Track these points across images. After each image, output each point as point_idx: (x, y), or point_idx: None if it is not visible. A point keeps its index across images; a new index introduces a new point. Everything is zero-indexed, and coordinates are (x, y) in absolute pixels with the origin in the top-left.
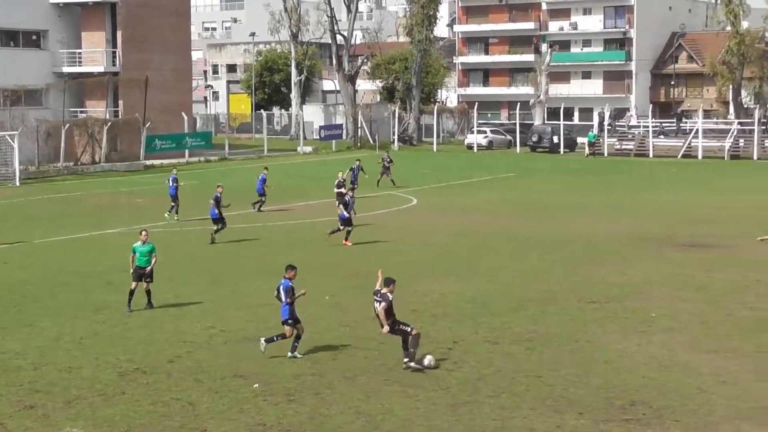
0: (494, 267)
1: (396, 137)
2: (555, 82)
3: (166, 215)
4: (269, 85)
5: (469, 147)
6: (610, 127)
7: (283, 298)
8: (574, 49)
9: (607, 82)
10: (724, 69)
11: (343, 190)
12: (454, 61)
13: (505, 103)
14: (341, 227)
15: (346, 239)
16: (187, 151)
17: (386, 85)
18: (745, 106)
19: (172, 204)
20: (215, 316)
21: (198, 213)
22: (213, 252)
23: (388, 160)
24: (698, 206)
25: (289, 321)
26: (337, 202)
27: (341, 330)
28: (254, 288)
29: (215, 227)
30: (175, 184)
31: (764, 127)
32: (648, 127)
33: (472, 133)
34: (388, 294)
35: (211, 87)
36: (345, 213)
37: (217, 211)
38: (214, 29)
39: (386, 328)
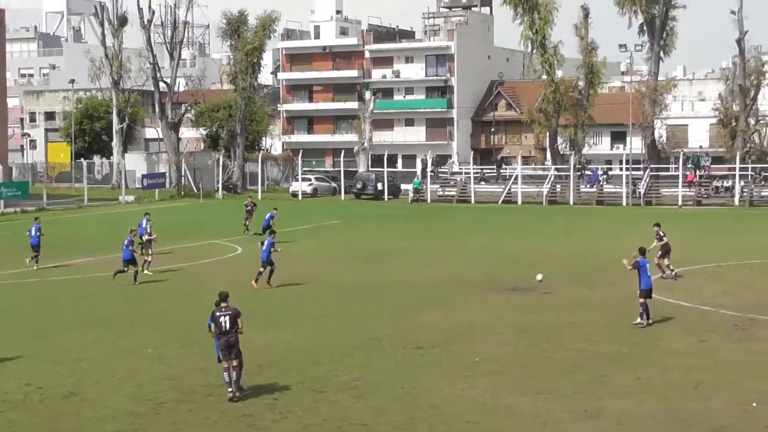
0: (320, 314)
1: (220, 185)
2: (379, 129)
3: (27, 261)
4: (89, 133)
5: (294, 195)
6: (432, 174)
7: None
8: (397, 97)
9: (429, 129)
10: (540, 116)
11: (151, 237)
12: (278, 109)
13: (330, 151)
14: (262, 270)
15: (257, 281)
16: (2, 202)
17: (210, 133)
18: (561, 152)
19: (34, 254)
20: (31, 372)
21: (10, 266)
22: (30, 304)
23: (251, 204)
24: (518, 251)
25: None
26: (140, 249)
27: (164, 383)
28: (73, 341)
29: (133, 269)
30: (38, 234)
31: (579, 173)
32: (470, 173)
33: (297, 180)
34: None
35: (29, 135)
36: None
37: (130, 251)
38: (31, 75)
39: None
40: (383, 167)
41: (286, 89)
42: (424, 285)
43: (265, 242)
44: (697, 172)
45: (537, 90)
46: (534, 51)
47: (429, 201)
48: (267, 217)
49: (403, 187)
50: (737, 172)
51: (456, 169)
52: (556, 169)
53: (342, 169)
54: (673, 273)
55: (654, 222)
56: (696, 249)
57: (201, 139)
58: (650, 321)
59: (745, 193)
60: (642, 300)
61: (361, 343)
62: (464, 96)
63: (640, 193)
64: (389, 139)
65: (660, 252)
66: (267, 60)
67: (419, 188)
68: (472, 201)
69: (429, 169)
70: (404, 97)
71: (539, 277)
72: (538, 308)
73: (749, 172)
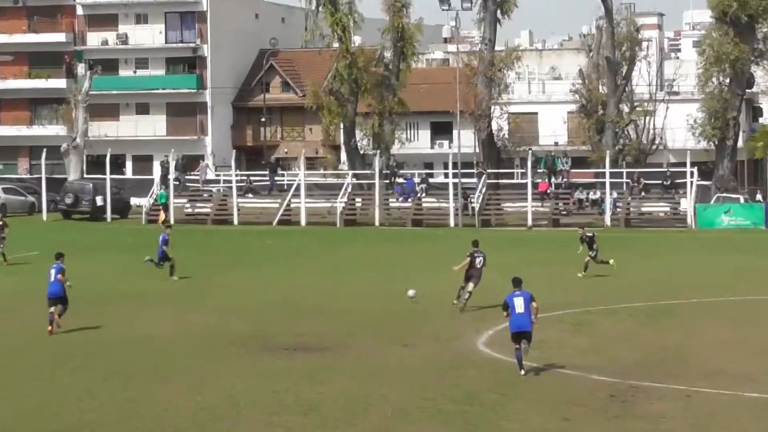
0: (5, 391)
1: None
2: (98, 118)
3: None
4: None
5: None
6: (177, 183)
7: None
8: (125, 72)
9: (172, 119)
10: (331, 101)
11: None
12: None
13: (25, 149)
14: None
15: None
16: None
17: None
18: (362, 151)
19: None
20: None
21: None
22: None
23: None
24: (301, 293)
25: None
26: None
27: None
28: None
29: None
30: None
31: (388, 182)
32: (231, 182)
33: None
34: None
35: None
36: None
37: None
38: None
39: None
40: (105, 174)
41: None
42: (164, 344)
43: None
44: (552, 180)
45: (326, 63)
46: (321, 8)
47: (172, 221)
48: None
49: (134, 201)
50: (607, 179)
51: (211, 175)
52: (355, 176)
53: (44, 175)
54: (464, 303)
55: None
56: (554, 288)
57: None
58: (522, 371)
59: (618, 209)
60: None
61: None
62: (222, 72)
63: (473, 208)
64: (114, 133)
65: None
66: None
67: (165, 203)
68: (235, 221)
69: (172, 175)
70: (135, 72)
71: (411, 293)
72: (332, 376)
73: (624, 179)
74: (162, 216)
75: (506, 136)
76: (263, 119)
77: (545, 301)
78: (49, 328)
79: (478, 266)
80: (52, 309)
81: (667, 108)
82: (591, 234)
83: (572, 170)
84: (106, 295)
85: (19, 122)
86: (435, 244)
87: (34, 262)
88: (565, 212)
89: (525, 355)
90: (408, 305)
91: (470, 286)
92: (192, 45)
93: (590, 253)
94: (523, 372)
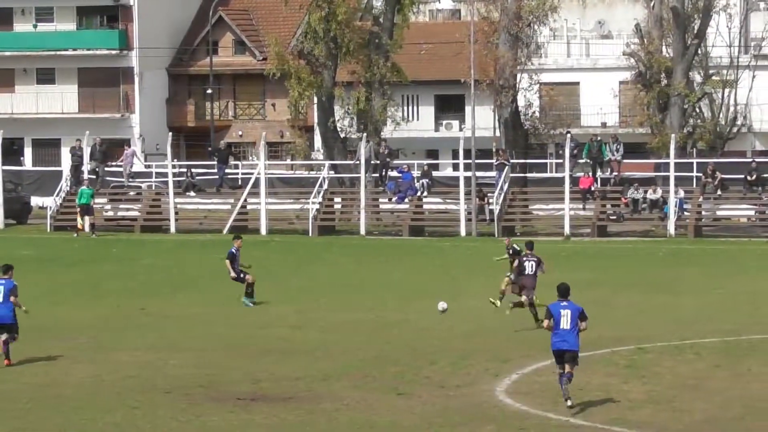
0: None
1: None
2: None
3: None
4: None
5: None
6: (94, 177)
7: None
8: (22, 27)
9: (87, 91)
10: (302, 67)
11: None
12: None
13: None
14: None
15: None
16: None
17: None
18: (343, 135)
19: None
20: None
21: None
22: None
23: None
24: (264, 323)
25: None
26: None
27: None
28: None
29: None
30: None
31: (377, 175)
32: (166, 176)
33: None
34: None
35: None
36: None
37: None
38: None
39: None
40: None
41: None
42: (78, 393)
43: None
44: (599, 173)
45: (294, 16)
46: None
47: (90, 230)
48: None
49: (36, 201)
50: (672, 173)
51: (139, 167)
52: (334, 168)
53: None
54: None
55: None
56: (599, 319)
57: None
58: (569, 403)
59: (686, 213)
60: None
61: None
62: (154, 27)
63: (491, 211)
64: (6, 109)
65: None
66: None
67: (87, 204)
68: (172, 228)
69: (86, 167)
70: (35, 26)
71: (442, 306)
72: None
73: (694, 173)
74: (81, 222)
75: (537, 114)
76: (209, 91)
77: (587, 336)
78: (6, 361)
79: (531, 273)
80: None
81: (754, 77)
82: (518, 248)
83: (625, 161)
84: None
85: None
86: (440, 259)
87: None
88: (614, 217)
89: (568, 383)
90: (404, 340)
91: (524, 298)
92: None
93: (509, 273)
94: (569, 403)
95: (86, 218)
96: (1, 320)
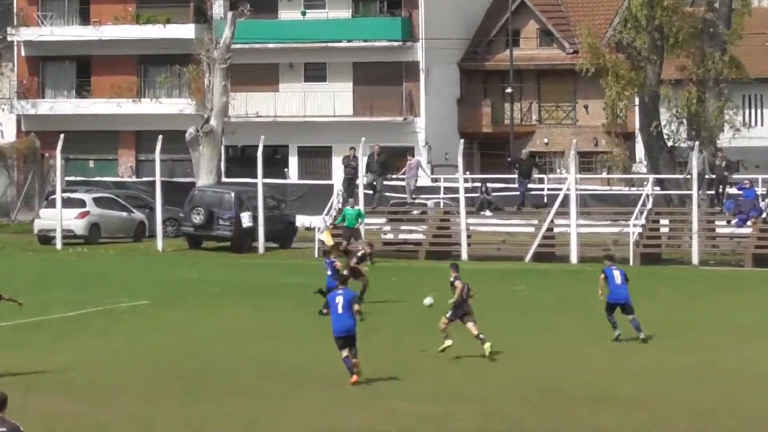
0: None
1: None
2: (245, 87)
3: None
4: None
5: (45, 238)
6: (371, 192)
7: None
8: (288, 14)
9: (363, 90)
10: (620, 62)
11: None
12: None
13: (129, 137)
14: None
15: None
16: None
17: None
18: (671, 143)
19: None
20: None
21: None
22: None
23: None
24: (576, 363)
25: None
26: None
27: None
28: None
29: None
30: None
31: (713, 192)
32: (457, 191)
33: (53, 201)
34: None
35: None
36: None
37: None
38: None
39: None
40: (255, 176)
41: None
42: None
43: None
44: None
45: (611, 2)
46: None
47: (358, 256)
48: None
49: (304, 222)
50: None
51: (425, 180)
52: (659, 183)
53: (158, 178)
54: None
55: None
56: None
57: None
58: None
59: None
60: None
61: None
62: (443, 14)
63: None
64: (269, 111)
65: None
66: None
67: (355, 228)
68: (463, 255)
69: (362, 180)
70: (304, 14)
71: (428, 301)
72: None
73: None
74: (333, 243)
75: None
76: (509, 90)
77: None
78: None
79: None
80: None
81: None
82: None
83: None
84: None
85: (121, 94)
86: None
87: (142, 313)
88: None
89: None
90: (743, 390)
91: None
92: None
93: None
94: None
95: (342, 242)
96: (348, 332)
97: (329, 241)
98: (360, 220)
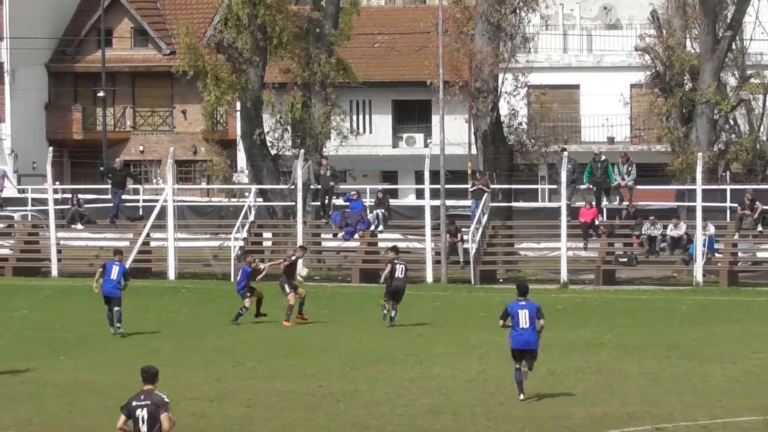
0: None
1: None
2: None
3: None
4: None
5: None
6: None
7: None
8: None
9: None
10: (221, 63)
11: None
12: None
13: None
14: None
15: None
16: None
17: None
18: (275, 151)
19: None
20: None
21: None
22: None
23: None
24: (178, 391)
25: None
26: None
27: None
28: None
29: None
30: None
31: (318, 203)
32: (46, 203)
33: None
34: None
35: None
36: None
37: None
38: None
39: None
40: None
41: None
42: None
43: None
44: (604, 202)
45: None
46: None
47: None
48: None
49: None
50: (699, 203)
51: (11, 191)
52: (262, 194)
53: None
54: None
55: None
56: (603, 389)
57: None
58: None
59: (718, 255)
60: None
61: None
62: (29, 11)
63: (466, 251)
64: None
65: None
66: None
67: None
68: (53, 271)
69: None
70: None
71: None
72: None
73: (728, 203)
74: None
75: (524, 126)
76: (101, 93)
77: (590, 411)
78: None
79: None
80: None
81: None
82: None
83: (638, 187)
84: None
85: None
86: (403, 312)
87: None
88: (625, 259)
89: (525, 378)
90: (353, 416)
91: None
92: None
93: None
94: (522, 397)
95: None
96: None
97: None
98: None
